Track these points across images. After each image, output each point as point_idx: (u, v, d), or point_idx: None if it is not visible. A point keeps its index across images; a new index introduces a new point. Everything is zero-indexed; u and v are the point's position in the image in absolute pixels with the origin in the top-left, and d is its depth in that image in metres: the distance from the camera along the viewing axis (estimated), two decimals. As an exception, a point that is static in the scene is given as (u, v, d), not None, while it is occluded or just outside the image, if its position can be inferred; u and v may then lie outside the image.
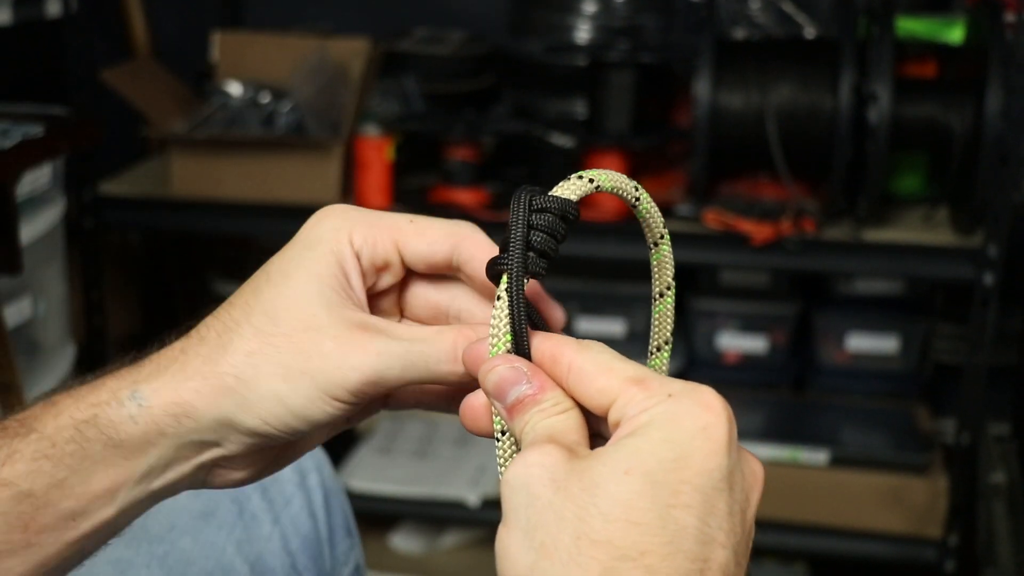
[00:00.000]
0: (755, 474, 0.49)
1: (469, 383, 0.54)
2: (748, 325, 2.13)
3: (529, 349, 0.53)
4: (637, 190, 0.55)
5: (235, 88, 1.99)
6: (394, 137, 1.95)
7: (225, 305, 0.56)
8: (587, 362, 0.50)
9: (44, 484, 0.53)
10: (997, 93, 1.70)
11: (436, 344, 0.54)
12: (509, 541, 0.46)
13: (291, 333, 0.54)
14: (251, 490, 0.90)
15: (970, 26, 1.91)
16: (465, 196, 1.95)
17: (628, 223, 1.85)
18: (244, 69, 2.03)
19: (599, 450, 0.47)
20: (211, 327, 0.56)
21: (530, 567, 0.45)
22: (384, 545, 2.11)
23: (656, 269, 0.58)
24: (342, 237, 0.56)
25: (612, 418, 0.49)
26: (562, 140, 1.95)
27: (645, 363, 0.58)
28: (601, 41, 2.09)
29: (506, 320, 0.53)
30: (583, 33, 2.11)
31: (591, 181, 0.54)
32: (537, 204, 0.54)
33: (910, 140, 1.82)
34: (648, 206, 0.56)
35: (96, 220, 2.00)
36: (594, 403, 0.50)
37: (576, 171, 0.54)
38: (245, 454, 0.57)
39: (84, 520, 0.54)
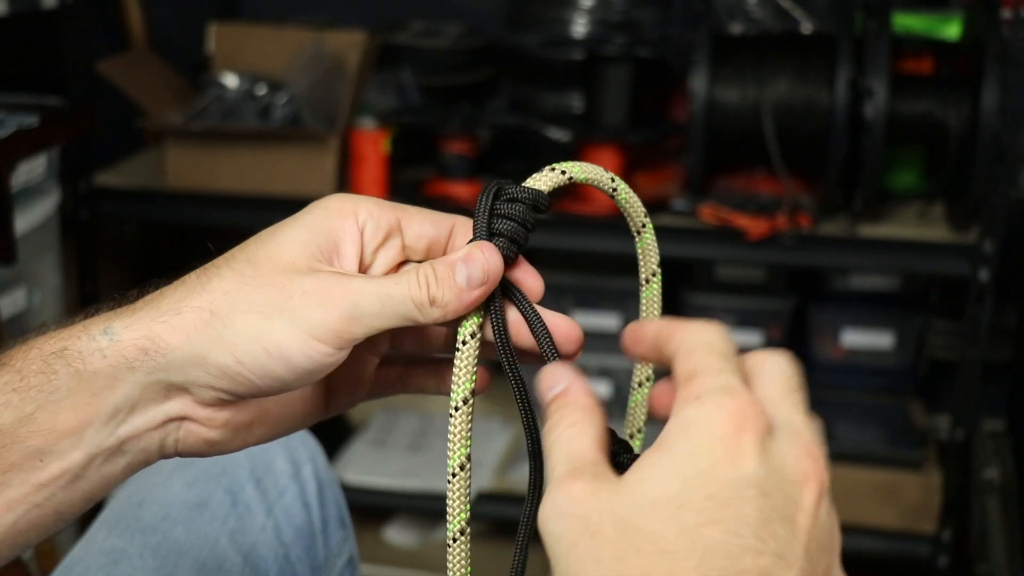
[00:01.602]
0: (800, 468, 0.49)
1: (439, 324, 0.56)
2: (743, 320, 2.13)
3: (506, 327, 0.56)
4: (613, 180, 0.57)
5: (231, 80, 1.99)
6: (390, 130, 1.95)
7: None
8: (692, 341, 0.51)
9: (12, 418, 0.53)
10: (993, 89, 1.70)
11: (408, 279, 0.55)
12: None
13: (269, 275, 0.54)
14: (245, 481, 0.90)
15: (967, 22, 1.91)
16: (461, 189, 1.95)
17: (623, 217, 1.85)
18: (240, 61, 2.03)
19: (628, 478, 0.47)
20: (191, 274, 0.57)
21: None
22: (378, 538, 2.11)
23: (641, 256, 0.60)
24: (346, 212, 0.57)
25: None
26: (558, 134, 1.95)
27: None
28: (598, 35, 2.08)
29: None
30: (580, 27, 2.11)
31: (563, 173, 0.56)
32: (507, 194, 0.55)
33: (906, 136, 1.83)
34: (627, 195, 0.57)
35: (91, 211, 2.00)
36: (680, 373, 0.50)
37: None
38: (216, 407, 0.56)
39: (51, 460, 0.54)
